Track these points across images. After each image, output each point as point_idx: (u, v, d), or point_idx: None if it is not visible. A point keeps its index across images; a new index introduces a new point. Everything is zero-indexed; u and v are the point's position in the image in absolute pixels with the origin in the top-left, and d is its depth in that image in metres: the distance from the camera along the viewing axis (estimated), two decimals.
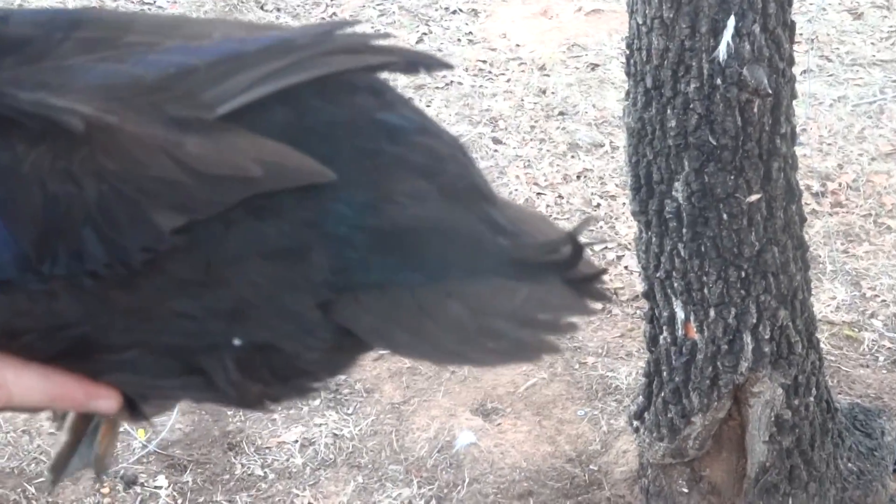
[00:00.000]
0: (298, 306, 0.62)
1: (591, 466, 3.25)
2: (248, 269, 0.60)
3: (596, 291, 0.68)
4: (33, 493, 3.16)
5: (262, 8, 5.96)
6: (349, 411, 3.49)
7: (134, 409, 0.67)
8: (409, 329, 0.64)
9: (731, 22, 2.43)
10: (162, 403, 0.70)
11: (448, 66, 0.73)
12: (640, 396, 2.99)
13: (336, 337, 0.64)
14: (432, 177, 0.64)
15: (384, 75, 0.68)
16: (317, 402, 3.50)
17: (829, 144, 4.91)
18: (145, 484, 3.21)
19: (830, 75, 5.47)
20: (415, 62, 0.68)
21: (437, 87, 5.29)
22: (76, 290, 0.59)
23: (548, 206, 4.48)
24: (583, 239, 0.67)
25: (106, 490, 3.17)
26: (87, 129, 0.57)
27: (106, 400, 0.66)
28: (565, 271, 0.66)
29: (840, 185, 4.63)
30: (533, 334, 0.65)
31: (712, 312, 2.70)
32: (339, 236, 0.61)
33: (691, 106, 2.52)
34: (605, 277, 0.71)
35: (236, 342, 0.62)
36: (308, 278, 0.61)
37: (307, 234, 0.61)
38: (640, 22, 2.56)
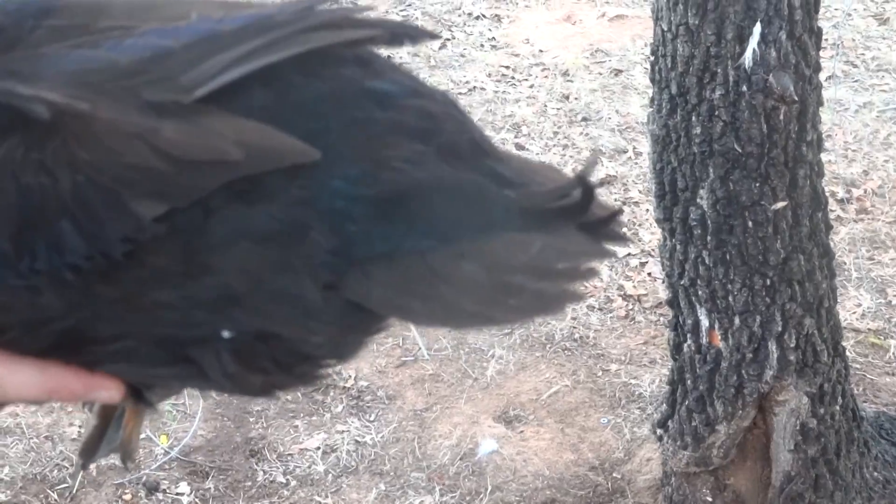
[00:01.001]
0: (298, 289, 0.60)
1: (614, 475, 3.24)
2: (236, 255, 0.59)
3: (612, 233, 0.67)
4: (56, 500, 3.17)
5: None
6: (371, 418, 3.49)
7: (139, 396, 0.66)
8: (423, 296, 0.62)
9: (758, 28, 2.42)
10: (165, 391, 0.69)
11: (434, 37, 0.71)
12: (664, 404, 2.98)
13: (343, 317, 0.62)
14: (428, 138, 0.62)
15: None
16: (339, 408, 3.51)
17: (855, 150, 4.89)
18: (167, 490, 3.22)
19: (856, 81, 5.45)
20: (399, 34, 0.67)
21: (459, 93, 5.29)
22: (58, 283, 0.57)
23: None
24: (593, 180, 0.65)
25: (128, 496, 3.18)
26: (58, 118, 0.55)
27: (107, 390, 0.65)
28: (578, 216, 0.65)
29: (865, 191, 4.61)
30: (553, 285, 0.64)
31: (737, 320, 2.69)
32: (337, 211, 0.60)
33: (716, 113, 2.52)
34: (622, 218, 0.68)
35: (226, 334, 0.61)
36: (308, 260, 0.60)
37: (302, 213, 0.59)
38: (665, 28, 2.56)
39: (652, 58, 2.67)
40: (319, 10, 0.65)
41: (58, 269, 0.57)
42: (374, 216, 0.60)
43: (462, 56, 5.65)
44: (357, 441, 3.40)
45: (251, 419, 3.45)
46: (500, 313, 0.64)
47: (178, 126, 0.56)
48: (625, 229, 0.68)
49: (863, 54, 5.69)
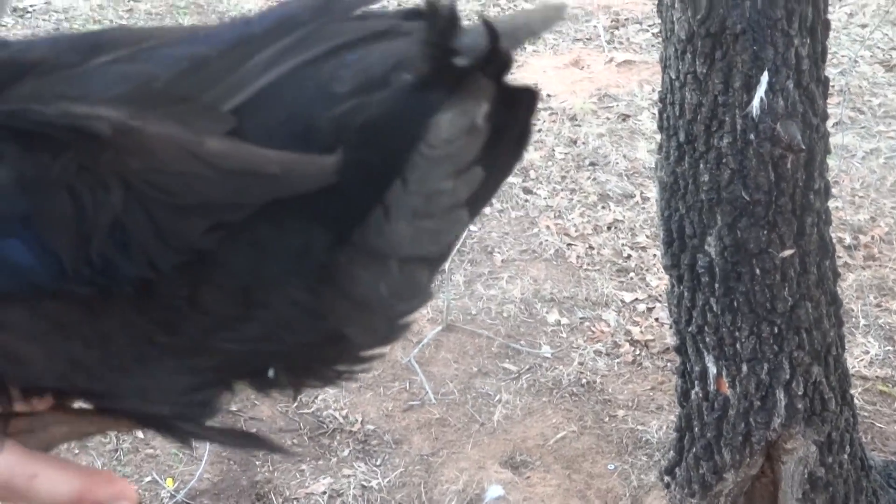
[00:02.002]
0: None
1: None
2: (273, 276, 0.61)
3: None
4: None
5: None
6: (378, 462, 3.48)
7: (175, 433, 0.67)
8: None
9: (765, 78, 2.43)
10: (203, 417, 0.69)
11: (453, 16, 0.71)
12: (672, 451, 2.97)
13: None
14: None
15: None
16: (345, 452, 3.50)
17: (862, 197, 4.89)
18: None
19: (863, 127, 5.46)
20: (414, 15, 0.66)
21: None
22: (111, 297, 0.59)
23: (578, 256, 4.48)
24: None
25: None
26: (111, 134, 0.57)
27: (128, 501, 0.66)
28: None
29: (873, 238, 4.60)
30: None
31: (745, 368, 2.69)
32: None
33: (724, 161, 2.52)
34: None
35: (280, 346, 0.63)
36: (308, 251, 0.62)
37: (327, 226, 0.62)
38: (674, 76, 2.57)
39: (660, 105, 2.69)
40: (337, 3, 0.65)
41: (112, 282, 0.58)
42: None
43: None
44: (363, 485, 3.39)
45: (257, 462, 3.44)
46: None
47: (220, 140, 0.58)
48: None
49: (870, 101, 5.71)
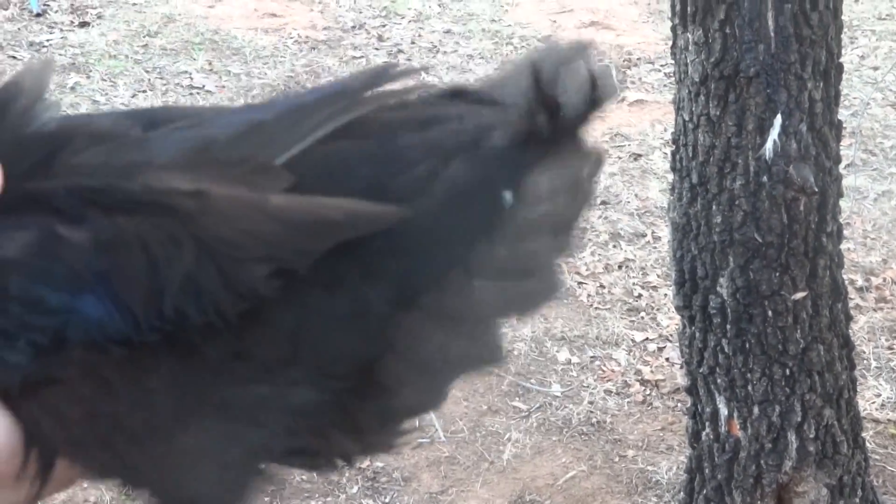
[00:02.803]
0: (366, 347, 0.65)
1: None
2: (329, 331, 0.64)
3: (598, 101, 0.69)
4: None
5: None
6: (386, 500, 3.47)
7: None
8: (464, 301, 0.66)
9: (778, 120, 2.44)
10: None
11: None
12: (682, 493, 2.96)
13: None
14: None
15: None
16: (354, 489, 3.49)
17: (874, 239, 4.89)
18: None
19: (875, 169, 5.46)
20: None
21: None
22: (181, 345, 0.61)
23: (589, 295, 4.48)
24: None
25: None
26: (194, 207, 0.60)
27: None
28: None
29: (885, 280, 4.60)
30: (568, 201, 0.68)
31: (756, 410, 2.68)
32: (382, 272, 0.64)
33: (737, 202, 2.53)
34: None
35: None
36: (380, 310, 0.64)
37: (367, 281, 0.64)
38: (687, 118, 2.58)
39: (673, 146, 2.69)
40: (391, 72, 0.69)
41: (182, 330, 0.60)
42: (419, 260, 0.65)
43: None
44: None
45: (266, 498, 3.44)
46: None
47: (283, 196, 0.61)
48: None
49: (881, 143, 5.71)
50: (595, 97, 0.66)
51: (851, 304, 2.90)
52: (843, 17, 2.50)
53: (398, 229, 0.63)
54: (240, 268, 0.60)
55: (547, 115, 0.66)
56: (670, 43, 2.65)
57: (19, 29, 6.55)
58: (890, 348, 4.21)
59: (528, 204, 0.65)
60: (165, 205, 0.59)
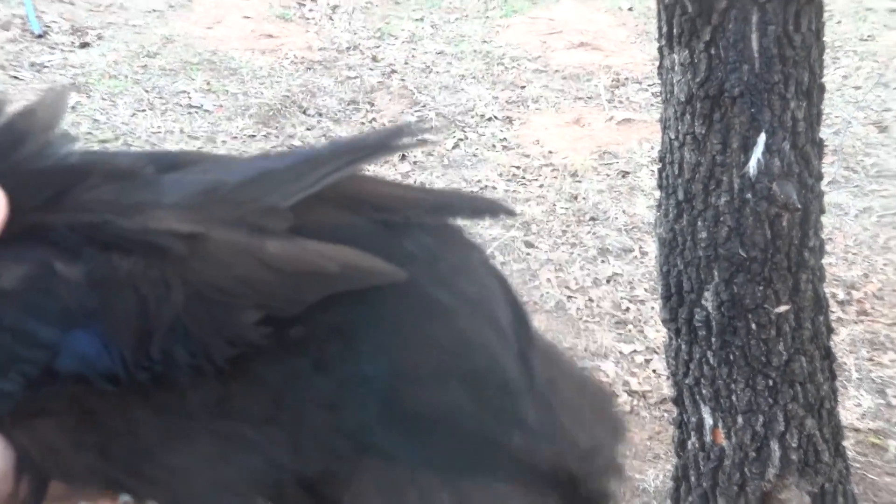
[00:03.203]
0: (336, 446, 0.63)
1: None
2: (297, 403, 0.63)
3: None
4: None
5: (304, 112, 6.04)
6: None
7: None
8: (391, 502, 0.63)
9: (762, 139, 2.45)
10: None
11: (511, 213, 0.73)
12: (668, 500, 2.97)
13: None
14: (459, 363, 0.63)
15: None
16: None
17: (855, 254, 4.91)
18: None
19: (856, 186, 5.48)
20: (481, 210, 0.71)
21: (472, 192, 5.34)
22: (170, 384, 0.61)
23: (578, 309, 4.49)
24: (601, 462, 0.64)
25: None
26: (186, 251, 0.60)
27: None
28: (568, 490, 0.65)
29: (865, 294, 4.62)
30: None
31: (740, 419, 2.69)
32: (361, 397, 0.62)
33: (722, 219, 2.54)
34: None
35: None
36: (337, 427, 0.63)
37: (344, 390, 0.62)
38: (673, 137, 2.59)
39: (659, 164, 2.70)
40: (410, 130, 0.68)
41: (170, 372, 0.60)
42: (386, 415, 0.62)
43: (474, 156, 5.70)
44: None
45: None
46: None
47: (280, 243, 0.61)
48: None
49: (863, 160, 5.74)
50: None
51: (833, 316, 2.91)
52: (825, 39, 2.52)
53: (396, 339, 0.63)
54: (230, 313, 0.59)
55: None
56: (657, 63, 2.67)
57: (21, 50, 6.55)
58: (870, 360, 4.22)
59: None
60: (159, 246, 0.59)
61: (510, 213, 0.73)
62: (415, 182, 4.85)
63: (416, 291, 0.63)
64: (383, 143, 0.67)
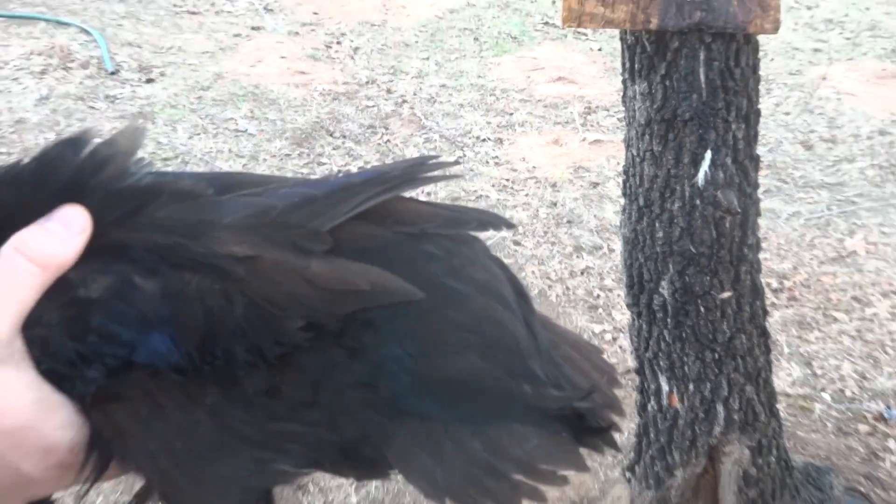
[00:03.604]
0: (370, 418, 0.63)
1: None
2: (333, 388, 0.63)
3: (598, 445, 0.66)
4: None
5: (331, 135, 6.04)
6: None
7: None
8: (431, 455, 0.63)
9: (708, 155, 2.45)
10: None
11: (510, 226, 0.73)
12: (632, 453, 2.97)
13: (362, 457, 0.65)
14: (475, 335, 0.64)
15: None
16: None
17: (786, 250, 4.90)
18: None
19: (786, 195, 5.47)
20: (485, 222, 0.70)
21: (469, 200, 5.33)
22: (225, 378, 0.61)
23: (557, 296, 4.48)
24: (600, 399, 0.64)
25: None
26: (244, 273, 0.60)
27: None
28: (577, 427, 0.65)
29: (794, 283, 4.61)
30: (529, 480, 0.63)
31: (691, 386, 2.69)
32: (393, 373, 0.62)
33: (675, 221, 2.54)
34: (614, 431, 0.66)
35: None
36: (371, 401, 0.63)
37: (378, 370, 0.62)
38: (635, 153, 2.59)
39: (624, 176, 2.70)
40: (430, 164, 0.68)
41: (230, 369, 0.60)
42: (417, 385, 0.63)
43: (471, 170, 5.70)
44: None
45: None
46: (476, 494, 0.63)
47: (322, 264, 0.61)
48: (616, 437, 0.67)
49: (792, 173, 5.73)
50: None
51: (767, 302, 2.91)
52: (760, 72, 2.52)
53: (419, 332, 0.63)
54: (279, 321, 0.60)
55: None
56: (622, 93, 2.66)
57: (97, 84, 6.55)
58: (799, 337, 4.22)
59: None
60: (222, 267, 0.60)
61: (510, 226, 0.73)
62: (422, 192, 4.84)
63: (436, 283, 0.64)
64: (408, 174, 0.67)
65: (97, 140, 0.66)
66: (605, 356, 0.73)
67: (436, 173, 0.68)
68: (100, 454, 0.63)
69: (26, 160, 0.65)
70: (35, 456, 0.61)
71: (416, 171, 0.67)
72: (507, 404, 0.63)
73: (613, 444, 0.67)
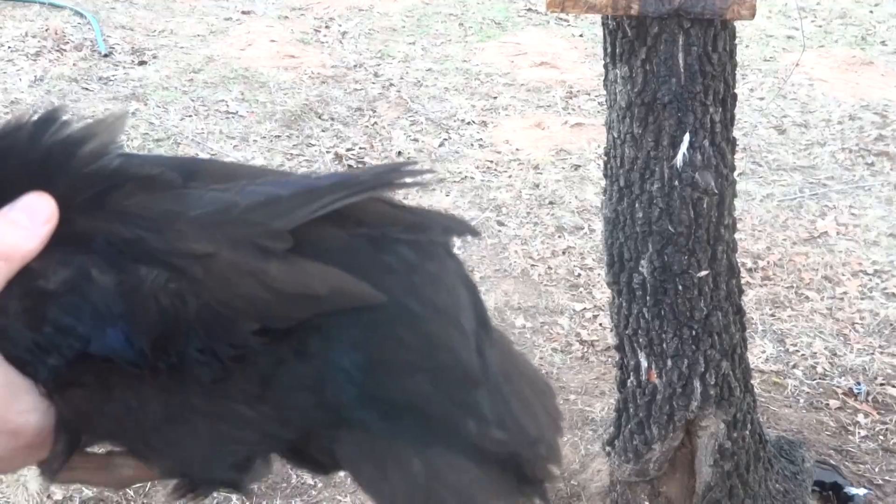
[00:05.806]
0: (317, 419, 0.62)
1: (571, 482, 3.22)
2: (282, 391, 0.61)
3: (530, 494, 0.64)
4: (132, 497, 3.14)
5: (319, 117, 6.01)
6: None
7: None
8: (376, 467, 0.61)
9: (687, 137, 2.45)
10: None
11: (476, 233, 0.69)
12: (612, 427, 2.98)
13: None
14: (425, 359, 0.61)
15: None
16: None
17: (760, 231, 4.91)
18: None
19: (760, 177, 5.48)
20: (451, 229, 0.67)
21: (454, 181, 5.32)
22: (184, 377, 0.60)
23: (539, 275, 4.49)
24: (542, 450, 0.63)
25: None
26: (202, 273, 0.58)
27: None
28: (515, 469, 0.63)
29: (768, 263, 4.63)
30: None
31: (669, 362, 2.70)
32: (339, 383, 0.60)
33: (654, 201, 2.54)
34: (550, 485, 0.65)
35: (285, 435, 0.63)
36: (319, 406, 0.61)
37: (322, 376, 0.60)
38: (616, 136, 2.59)
39: (605, 158, 2.70)
40: (402, 170, 0.65)
41: (183, 367, 0.59)
42: (362, 398, 0.60)
43: (456, 153, 5.68)
44: None
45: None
46: None
47: (280, 266, 0.59)
48: (548, 491, 0.65)
49: (766, 156, 5.74)
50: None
51: (743, 281, 2.91)
52: (737, 58, 2.51)
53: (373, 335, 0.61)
54: (233, 324, 0.58)
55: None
56: (603, 78, 2.66)
57: (90, 66, 6.50)
58: (772, 315, 4.23)
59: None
60: (179, 267, 0.58)
61: (474, 234, 0.69)
62: None
63: (390, 300, 0.61)
64: (377, 180, 0.64)
65: (70, 119, 0.64)
66: (557, 398, 0.70)
67: (406, 180, 0.65)
68: (66, 436, 0.63)
69: None
70: (1, 439, 0.61)
71: (387, 176, 0.64)
72: (449, 435, 0.61)
73: (545, 498, 0.64)
